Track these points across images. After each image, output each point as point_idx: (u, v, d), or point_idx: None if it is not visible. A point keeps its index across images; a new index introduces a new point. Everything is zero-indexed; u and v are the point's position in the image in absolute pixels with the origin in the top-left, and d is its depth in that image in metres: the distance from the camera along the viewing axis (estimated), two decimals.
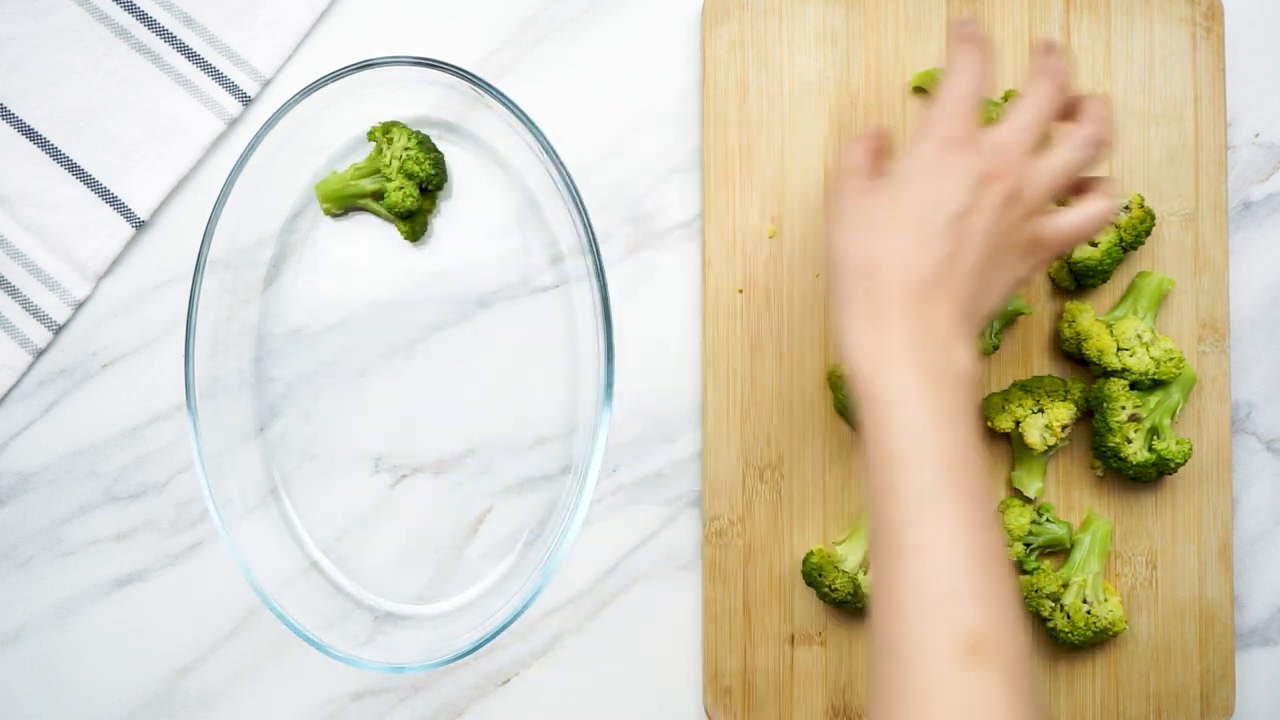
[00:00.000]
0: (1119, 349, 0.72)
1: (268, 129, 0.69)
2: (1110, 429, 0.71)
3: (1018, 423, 0.73)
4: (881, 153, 0.66)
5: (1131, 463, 0.71)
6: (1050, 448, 0.72)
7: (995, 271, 0.61)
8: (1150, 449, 0.72)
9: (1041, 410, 0.73)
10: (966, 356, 0.59)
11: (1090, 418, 0.74)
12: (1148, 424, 0.72)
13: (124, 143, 0.76)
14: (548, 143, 0.70)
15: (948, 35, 0.67)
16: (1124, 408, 0.71)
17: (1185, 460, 0.72)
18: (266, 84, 0.76)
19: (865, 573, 0.72)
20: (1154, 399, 0.72)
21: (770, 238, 0.75)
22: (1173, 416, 0.73)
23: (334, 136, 0.74)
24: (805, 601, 0.74)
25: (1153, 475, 0.72)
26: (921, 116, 0.62)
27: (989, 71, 0.63)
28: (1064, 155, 0.62)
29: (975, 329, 0.61)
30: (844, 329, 0.60)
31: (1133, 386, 0.72)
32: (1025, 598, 0.73)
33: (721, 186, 0.75)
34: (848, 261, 0.61)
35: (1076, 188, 0.65)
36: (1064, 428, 0.72)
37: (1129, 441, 0.71)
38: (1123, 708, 0.75)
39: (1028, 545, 0.74)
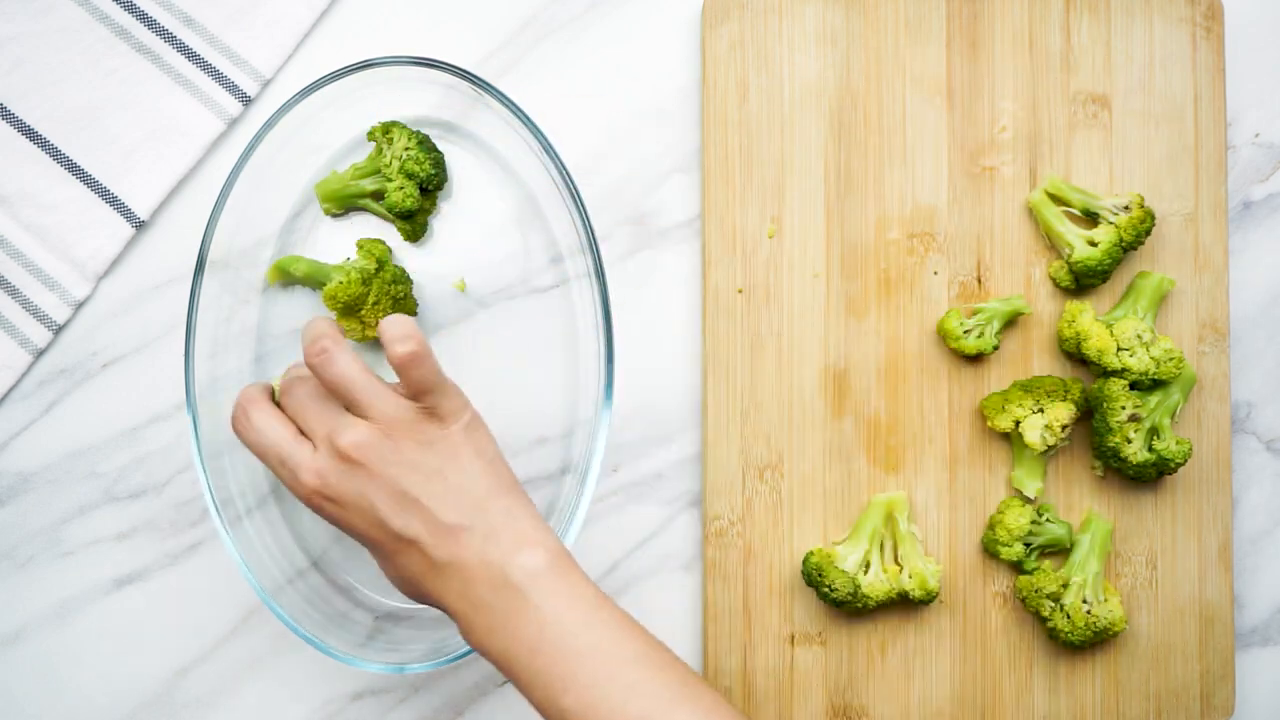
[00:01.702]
0: (1119, 349, 0.72)
1: (268, 129, 0.69)
2: (1110, 429, 0.71)
3: (1018, 423, 0.73)
4: None
5: (1132, 463, 0.71)
6: (1050, 448, 0.72)
7: (443, 469, 0.61)
8: (1150, 449, 0.72)
9: (1041, 410, 0.73)
10: (519, 560, 0.60)
11: (1090, 418, 0.74)
12: (1148, 424, 0.72)
13: (124, 143, 0.76)
14: (548, 143, 0.70)
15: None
16: (1124, 408, 0.71)
17: (1185, 460, 0.72)
18: (266, 84, 0.76)
19: (866, 572, 0.72)
20: (1154, 399, 0.72)
21: (770, 238, 0.75)
22: (1173, 416, 0.73)
23: (334, 136, 0.74)
24: (805, 601, 0.74)
25: (1153, 475, 0.72)
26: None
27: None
28: (332, 377, 0.61)
29: (503, 523, 0.61)
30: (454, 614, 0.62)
31: (1133, 386, 0.72)
32: (1025, 598, 0.73)
33: (721, 186, 0.75)
34: (408, 593, 0.63)
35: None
36: (1064, 428, 0.72)
37: (1129, 441, 0.71)
38: (1123, 708, 0.75)
39: (1028, 545, 0.74)
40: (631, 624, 0.60)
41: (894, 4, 0.76)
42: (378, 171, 0.73)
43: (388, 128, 0.73)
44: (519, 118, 0.70)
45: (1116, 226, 0.73)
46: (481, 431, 0.63)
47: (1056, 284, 0.75)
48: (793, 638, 0.75)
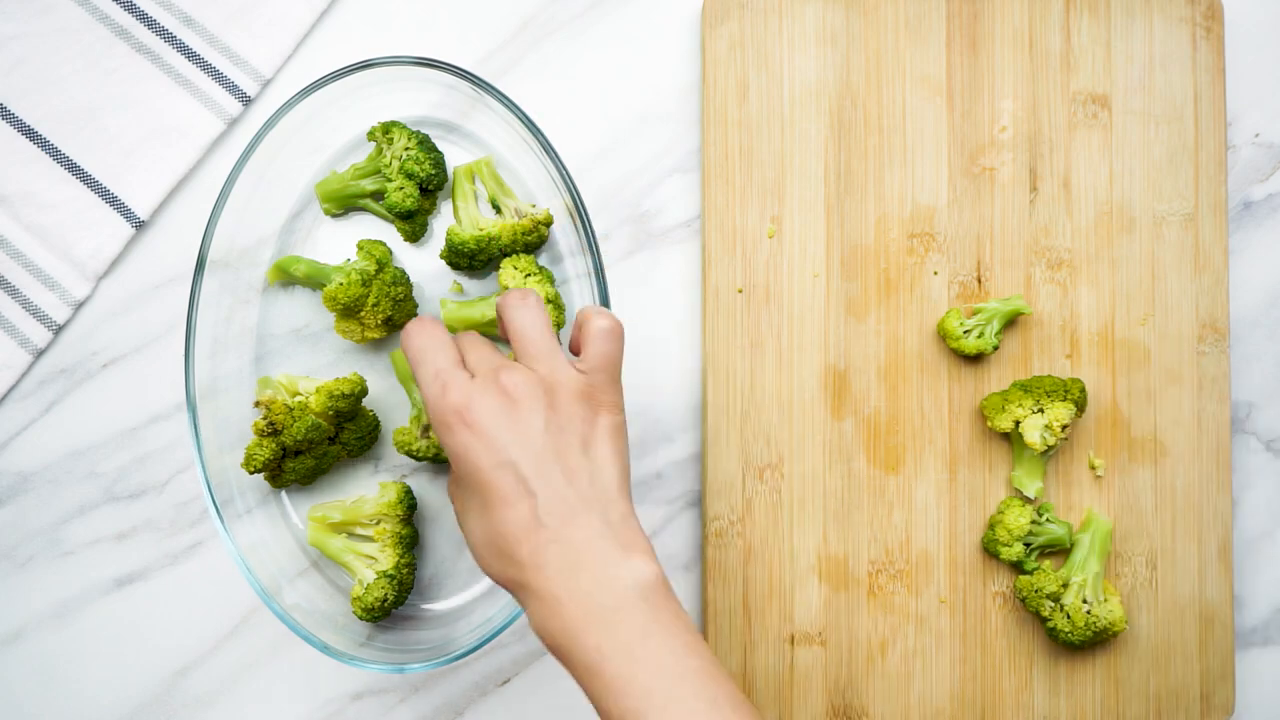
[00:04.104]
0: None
1: (268, 129, 0.69)
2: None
3: (1018, 423, 0.73)
4: None
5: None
6: (1050, 448, 0.72)
7: (588, 450, 0.59)
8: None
9: (1041, 410, 0.73)
10: (632, 564, 0.57)
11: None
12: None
13: (124, 143, 0.76)
14: (548, 143, 0.70)
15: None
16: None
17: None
18: (266, 84, 0.76)
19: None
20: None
21: (770, 238, 0.75)
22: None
23: (334, 136, 0.74)
24: (805, 601, 0.75)
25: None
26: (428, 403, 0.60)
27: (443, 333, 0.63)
28: (525, 322, 0.61)
29: (623, 519, 0.58)
30: (524, 609, 0.59)
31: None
32: (1025, 598, 0.73)
33: (721, 186, 0.75)
34: (485, 560, 0.59)
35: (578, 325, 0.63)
36: (1064, 428, 0.72)
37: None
38: (1123, 708, 0.75)
39: (1028, 545, 0.74)
40: (719, 671, 0.57)
41: (894, 4, 0.76)
42: (378, 171, 0.73)
43: (388, 128, 0.73)
44: (519, 118, 0.70)
45: (505, 224, 0.73)
46: (624, 438, 0.62)
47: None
48: (793, 638, 0.75)
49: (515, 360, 0.61)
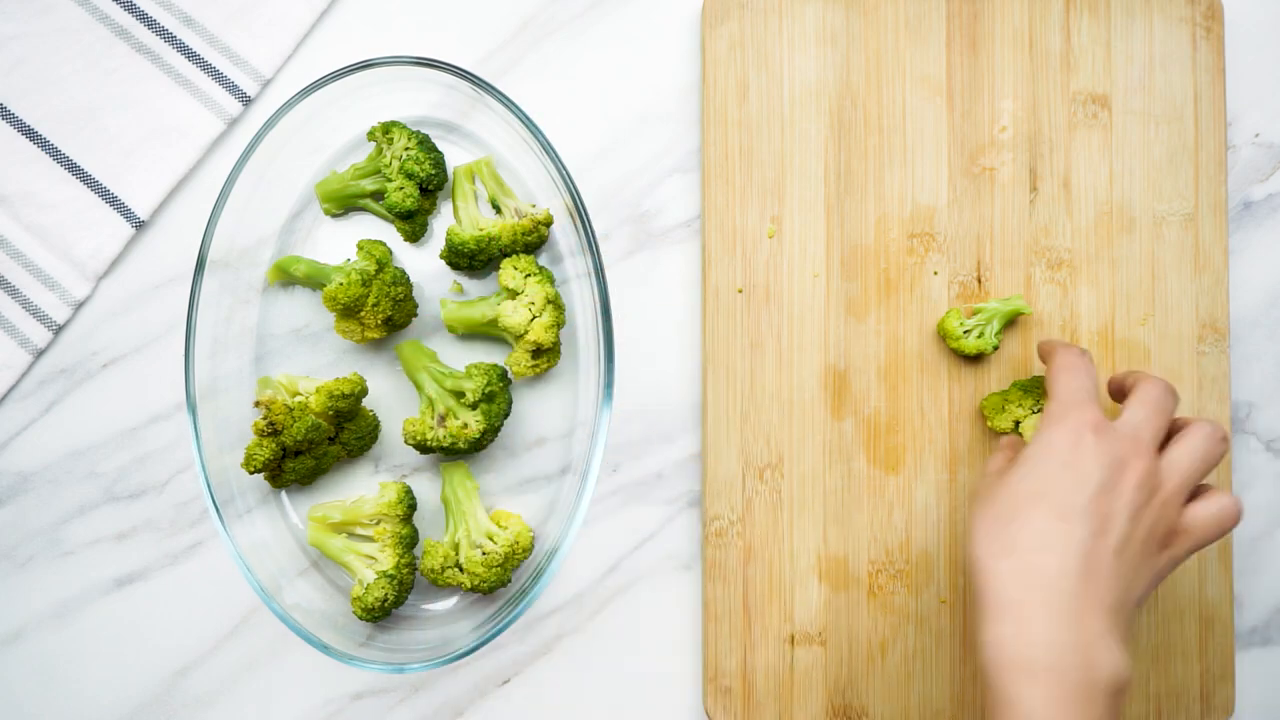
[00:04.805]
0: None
1: (268, 129, 0.69)
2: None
3: (1017, 423, 0.73)
4: (1018, 448, 0.68)
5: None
6: None
7: (1139, 560, 0.60)
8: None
9: (1041, 410, 0.73)
10: (1115, 659, 0.57)
11: None
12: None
13: (124, 143, 0.76)
14: (548, 143, 0.70)
15: (1042, 351, 0.71)
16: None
17: None
18: (266, 84, 0.76)
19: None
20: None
21: (770, 238, 0.75)
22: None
23: (334, 136, 0.74)
24: (805, 601, 0.74)
25: None
26: (1046, 417, 0.64)
27: (1094, 369, 0.65)
28: (1196, 445, 0.63)
29: (1125, 626, 0.59)
30: (982, 616, 0.58)
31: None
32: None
33: (721, 186, 0.75)
34: (989, 539, 0.60)
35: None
36: None
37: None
38: (1122, 708, 0.75)
39: None
40: None
41: (894, 4, 0.76)
42: (378, 171, 0.73)
43: (388, 128, 0.73)
44: (519, 118, 0.70)
45: (505, 224, 0.73)
46: (1157, 584, 0.63)
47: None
48: (793, 638, 0.75)
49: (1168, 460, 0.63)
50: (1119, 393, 0.68)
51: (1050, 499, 0.60)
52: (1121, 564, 0.59)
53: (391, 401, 0.75)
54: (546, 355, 0.72)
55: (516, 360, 0.72)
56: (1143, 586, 0.61)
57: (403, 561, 0.72)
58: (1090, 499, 0.59)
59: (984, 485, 0.65)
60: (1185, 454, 0.62)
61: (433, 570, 0.71)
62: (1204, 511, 0.62)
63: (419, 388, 0.73)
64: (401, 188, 0.72)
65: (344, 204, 0.75)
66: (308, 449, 0.71)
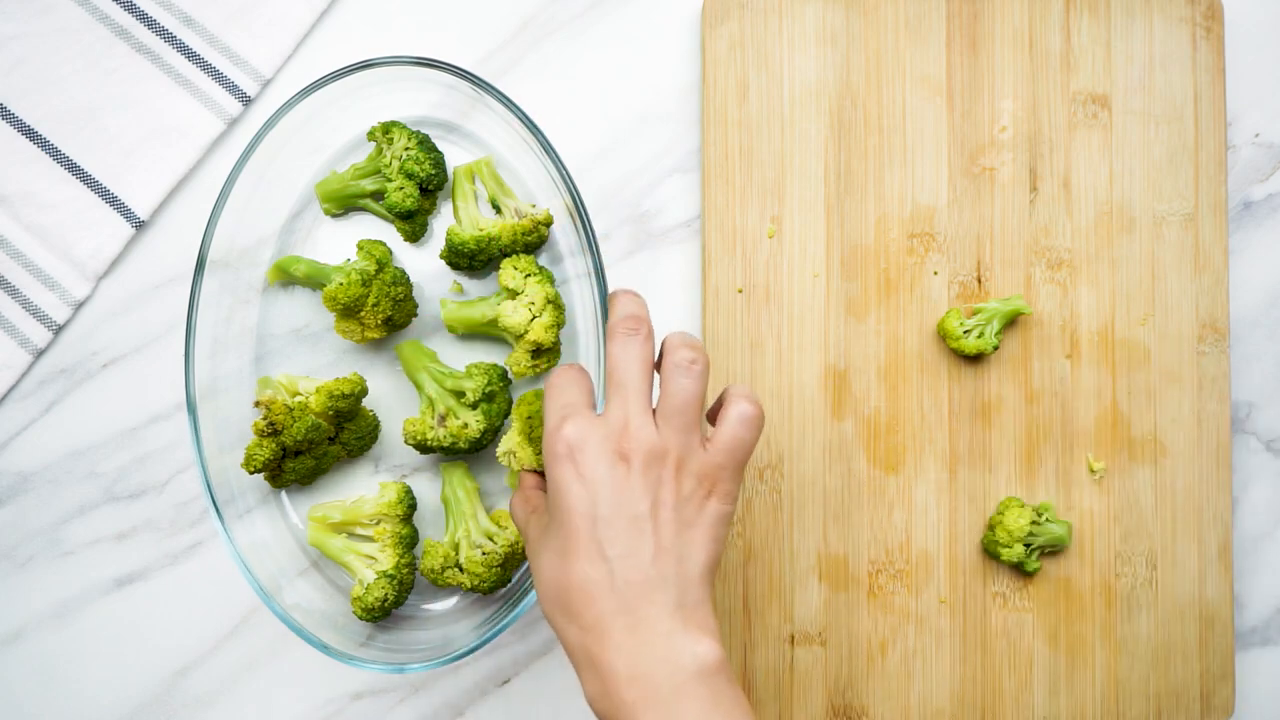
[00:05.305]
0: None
1: (268, 129, 0.69)
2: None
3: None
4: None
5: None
6: None
7: (676, 540, 0.57)
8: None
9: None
10: (697, 645, 0.55)
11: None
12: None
13: (124, 143, 0.76)
14: (548, 143, 0.70)
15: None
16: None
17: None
18: (266, 84, 0.76)
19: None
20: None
21: (770, 238, 0.75)
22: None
23: (334, 136, 0.74)
24: (805, 601, 0.75)
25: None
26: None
27: (584, 379, 0.61)
28: (681, 387, 0.59)
29: (698, 604, 0.57)
30: (578, 674, 0.57)
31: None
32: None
33: (721, 186, 0.75)
34: (549, 603, 0.58)
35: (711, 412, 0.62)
36: None
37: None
38: (1123, 708, 0.75)
39: (1028, 546, 0.74)
40: None
41: (894, 4, 0.76)
42: (378, 171, 0.73)
43: (388, 128, 0.73)
44: (519, 118, 0.70)
45: (505, 224, 0.73)
46: (727, 527, 0.60)
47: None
48: (793, 638, 0.75)
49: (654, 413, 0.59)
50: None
51: (567, 548, 0.57)
52: (659, 564, 0.56)
53: (391, 401, 0.75)
54: (546, 355, 0.72)
55: (516, 360, 0.72)
56: (701, 553, 0.58)
57: (403, 561, 0.72)
58: (588, 533, 0.56)
59: (531, 548, 0.62)
60: (678, 403, 0.59)
61: (433, 570, 0.71)
62: (725, 436, 0.59)
63: (419, 388, 0.73)
64: (401, 188, 0.72)
65: (344, 204, 0.75)
66: (308, 449, 0.71)
